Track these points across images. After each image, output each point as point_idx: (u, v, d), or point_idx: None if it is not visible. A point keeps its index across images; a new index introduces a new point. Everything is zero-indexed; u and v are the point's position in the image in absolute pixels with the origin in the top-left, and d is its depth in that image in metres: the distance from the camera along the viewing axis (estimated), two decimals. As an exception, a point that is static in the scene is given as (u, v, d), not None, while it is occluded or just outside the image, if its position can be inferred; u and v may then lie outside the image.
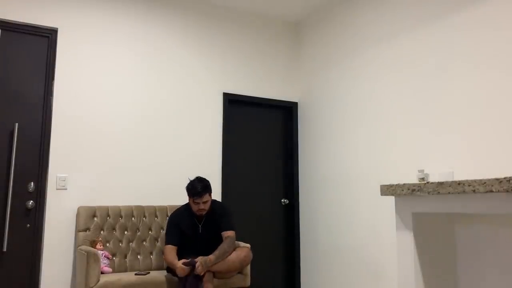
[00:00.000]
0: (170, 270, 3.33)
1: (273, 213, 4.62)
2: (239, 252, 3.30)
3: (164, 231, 3.74)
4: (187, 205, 3.48)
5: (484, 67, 2.91)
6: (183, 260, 3.06)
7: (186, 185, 3.44)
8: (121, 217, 3.66)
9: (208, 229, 3.40)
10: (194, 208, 3.32)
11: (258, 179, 4.59)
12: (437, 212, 2.31)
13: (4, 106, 3.49)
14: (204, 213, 3.34)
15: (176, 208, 3.54)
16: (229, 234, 3.34)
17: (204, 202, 3.29)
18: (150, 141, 4.01)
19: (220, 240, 3.35)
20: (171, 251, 3.25)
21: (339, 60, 4.26)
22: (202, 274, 3.02)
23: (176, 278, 3.23)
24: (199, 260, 3.03)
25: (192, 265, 3.01)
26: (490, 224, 2.40)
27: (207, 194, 3.30)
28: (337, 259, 4.08)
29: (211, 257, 3.10)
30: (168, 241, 3.31)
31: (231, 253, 3.26)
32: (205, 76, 4.36)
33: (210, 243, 3.34)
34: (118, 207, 3.69)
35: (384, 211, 3.62)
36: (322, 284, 4.25)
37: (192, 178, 3.52)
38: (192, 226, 3.37)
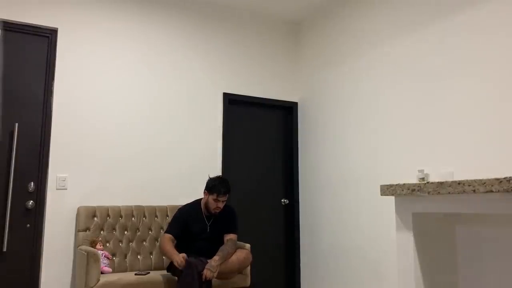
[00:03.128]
0: (170, 269, 3.34)
1: (273, 213, 4.62)
2: (239, 253, 3.31)
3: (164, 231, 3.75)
4: (197, 203, 3.49)
5: (484, 68, 2.91)
6: (184, 255, 3.06)
7: (207, 180, 3.46)
8: (121, 217, 3.66)
9: (215, 229, 3.42)
10: (213, 205, 3.35)
11: (258, 179, 4.59)
12: (437, 212, 2.31)
13: (4, 106, 3.49)
14: (219, 211, 3.39)
15: (186, 204, 3.53)
16: (231, 236, 3.38)
17: (223, 201, 3.37)
18: (150, 141, 4.01)
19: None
20: (169, 240, 3.25)
21: (339, 60, 4.26)
22: (210, 278, 3.02)
23: (176, 278, 3.23)
24: (206, 267, 3.03)
25: (191, 267, 3.00)
26: (490, 224, 2.40)
27: (228, 194, 3.39)
28: (337, 259, 4.08)
29: (216, 258, 3.10)
30: (168, 231, 3.31)
31: (232, 255, 3.28)
32: (205, 76, 4.36)
33: (215, 243, 3.37)
34: (118, 207, 3.69)
35: (384, 211, 3.61)
36: (322, 284, 4.25)
37: (212, 175, 3.56)
38: (201, 225, 3.39)
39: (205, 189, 3.41)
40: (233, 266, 3.23)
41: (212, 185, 3.34)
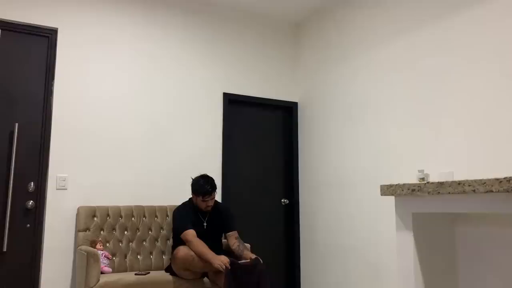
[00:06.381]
0: (169, 270, 3.34)
1: (273, 213, 4.62)
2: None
3: (164, 231, 3.76)
4: (189, 202, 3.52)
5: (483, 68, 2.91)
6: (225, 257, 3.07)
7: (191, 183, 3.49)
8: (121, 217, 3.66)
9: (212, 225, 3.47)
10: (202, 205, 3.40)
11: (258, 179, 4.59)
12: (437, 212, 2.31)
13: (4, 106, 3.49)
14: (210, 208, 3.44)
15: (180, 204, 3.56)
16: (236, 234, 3.51)
17: (212, 199, 3.41)
18: (150, 141, 4.01)
19: (220, 236, 3.50)
20: (197, 238, 3.23)
21: (339, 60, 4.26)
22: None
23: (175, 278, 3.23)
24: (255, 257, 3.19)
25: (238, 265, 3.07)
26: (490, 224, 2.40)
27: (215, 192, 3.43)
28: (337, 259, 4.08)
29: (251, 255, 3.28)
30: (187, 227, 3.28)
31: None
32: (205, 76, 4.36)
33: (213, 239, 3.42)
34: (118, 207, 3.69)
35: (384, 211, 3.61)
36: (322, 284, 4.25)
37: (194, 176, 3.57)
38: (198, 222, 3.42)
39: (192, 191, 3.44)
40: None
41: (197, 187, 3.37)
